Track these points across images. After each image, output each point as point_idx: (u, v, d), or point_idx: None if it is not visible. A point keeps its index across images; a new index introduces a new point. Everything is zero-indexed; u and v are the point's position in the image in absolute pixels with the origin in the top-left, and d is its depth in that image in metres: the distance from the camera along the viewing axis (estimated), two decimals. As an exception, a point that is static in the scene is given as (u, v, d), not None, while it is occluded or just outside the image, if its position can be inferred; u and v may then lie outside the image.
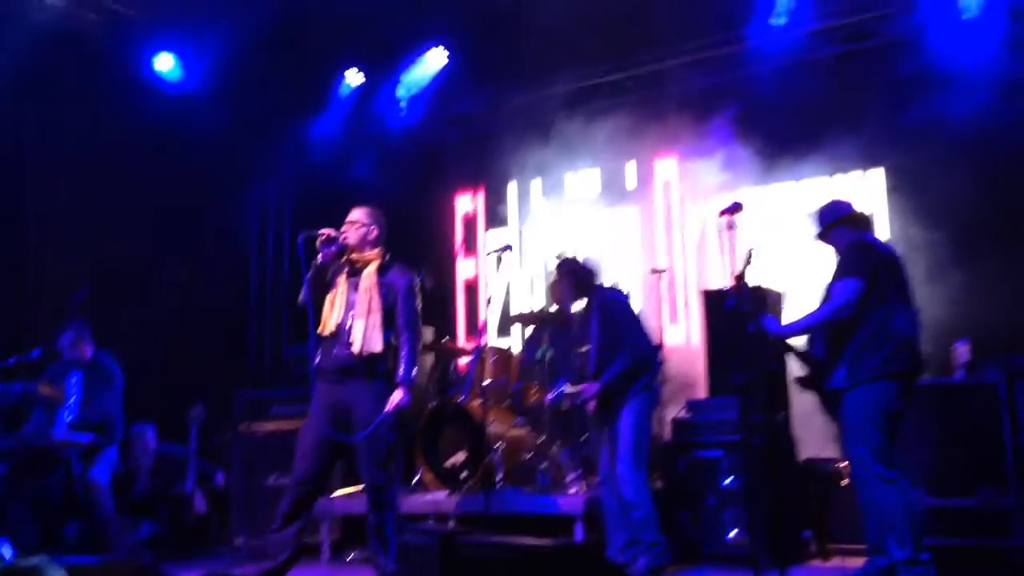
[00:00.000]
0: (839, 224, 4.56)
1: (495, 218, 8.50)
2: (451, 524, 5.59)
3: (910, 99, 6.23)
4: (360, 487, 4.94)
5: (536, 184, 8.35)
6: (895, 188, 6.68)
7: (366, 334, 4.57)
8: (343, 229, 4.71)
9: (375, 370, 4.60)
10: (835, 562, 5.16)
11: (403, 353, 4.64)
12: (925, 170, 6.36)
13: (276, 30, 7.70)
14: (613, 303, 5.14)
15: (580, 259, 5.31)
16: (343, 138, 8.71)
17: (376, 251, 4.78)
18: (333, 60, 8.44)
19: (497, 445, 5.94)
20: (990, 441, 4.64)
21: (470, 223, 8.67)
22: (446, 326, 7.85)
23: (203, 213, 8.39)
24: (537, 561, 3.24)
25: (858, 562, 4.73)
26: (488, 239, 8.51)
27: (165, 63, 7.92)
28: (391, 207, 8.34)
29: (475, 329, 8.15)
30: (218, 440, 6.88)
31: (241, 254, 9.02)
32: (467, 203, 8.73)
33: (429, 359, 7.45)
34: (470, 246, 8.58)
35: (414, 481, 6.13)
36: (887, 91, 6.61)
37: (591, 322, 5.04)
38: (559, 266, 5.31)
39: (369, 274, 4.69)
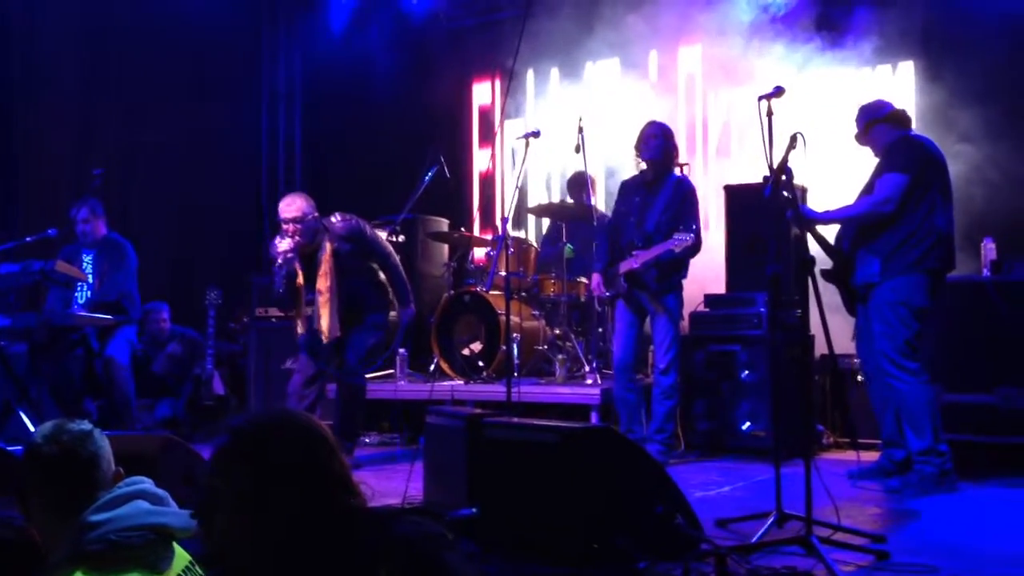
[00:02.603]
0: (880, 123, 4.48)
1: (512, 108, 8.30)
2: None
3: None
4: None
5: (555, 73, 8.13)
6: (925, 84, 6.50)
7: (330, 323, 4.85)
8: (287, 231, 4.79)
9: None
10: (849, 455, 5.22)
11: (396, 290, 5.11)
12: (957, 67, 6.18)
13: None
14: (691, 191, 5.16)
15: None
16: (356, 22, 8.44)
17: (324, 230, 4.91)
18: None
19: (514, 336, 5.95)
20: (1012, 340, 4.63)
21: (486, 113, 8.48)
22: (461, 217, 7.77)
23: (211, 96, 8.21)
24: (565, 442, 3.25)
25: (872, 456, 4.80)
26: (505, 129, 8.34)
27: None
28: (406, 94, 8.31)
29: (490, 220, 8.07)
30: (235, 325, 6.90)
31: (252, 140, 8.88)
32: (484, 92, 8.52)
33: (444, 249, 7.41)
34: (486, 136, 8.42)
35: (431, 368, 6.18)
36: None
37: (657, 199, 5.06)
38: (656, 124, 5.19)
39: (325, 258, 4.84)
